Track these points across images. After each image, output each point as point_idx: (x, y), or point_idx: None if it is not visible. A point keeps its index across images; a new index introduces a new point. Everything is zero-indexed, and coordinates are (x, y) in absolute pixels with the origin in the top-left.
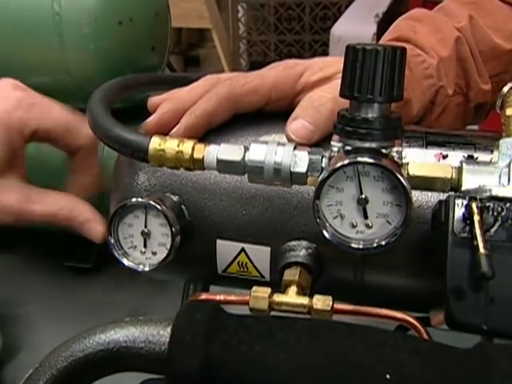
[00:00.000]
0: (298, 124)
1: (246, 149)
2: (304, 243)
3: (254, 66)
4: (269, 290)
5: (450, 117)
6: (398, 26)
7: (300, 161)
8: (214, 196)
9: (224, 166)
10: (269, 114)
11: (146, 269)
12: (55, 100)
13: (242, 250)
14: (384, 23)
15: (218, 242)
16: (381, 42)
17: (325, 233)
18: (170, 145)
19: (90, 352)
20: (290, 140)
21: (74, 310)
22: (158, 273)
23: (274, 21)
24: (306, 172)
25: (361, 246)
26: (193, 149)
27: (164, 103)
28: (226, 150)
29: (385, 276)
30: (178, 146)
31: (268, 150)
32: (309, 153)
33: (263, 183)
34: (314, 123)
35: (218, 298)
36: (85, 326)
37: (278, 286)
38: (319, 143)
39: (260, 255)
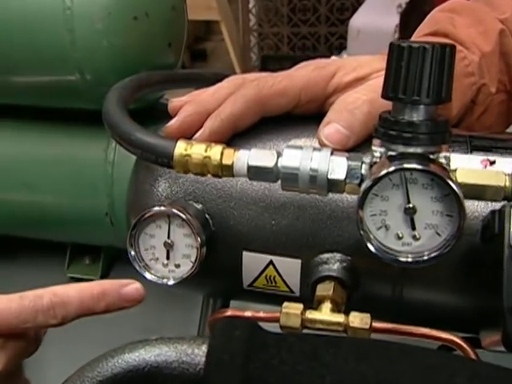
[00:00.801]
0: (332, 128)
1: (279, 154)
2: (338, 256)
3: (266, 60)
4: (301, 306)
5: (492, 116)
6: (434, 18)
7: (338, 167)
8: (240, 204)
9: (255, 172)
10: (298, 117)
11: (171, 282)
12: (64, 100)
13: (271, 262)
14: (407, 14)
15: (245, 253)
16: (415, 37)
17: (370, 246)
18: (196, 150)
19: (119, 372)
20: (322, 145)
21: (79, 324)
22: (177, 287)
23: (287, 12)
24: (345, 179)
25: (409, 260)
26: (221, 154)
27: (186, 105)
28: (258, 156)
29: (426, 292)
30: (206, 151)
31: (303, 155)
32: (347, 158)
33: (297, 191)
34: (348, 127)
35: (246, 314)
36: (92, 341)
37: (309, 301)
38: (354, 149)
39: (290, 268)
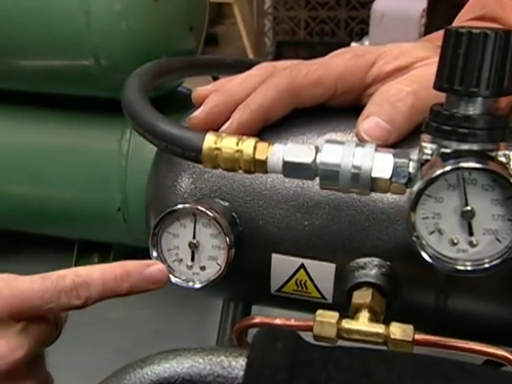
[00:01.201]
0: (372, 122)
1: (318, 150)
2: (376, 260)
3: (281, 46)
4: (336, 314)
5: None
6: (480, 1)
7: (383, 165)
8: (270, 203)
9: (291, 169)
10: (332, 109)
11: (197, 286)
12: (77, 86)
13: (302, 266)
14: None
15: (274, 256)
16: (458, 22)
17: (423, 253)
18: (227, 143)
19: None
20: (361, 141)
21: (87, 325)
22: (200, 290)
23: None
24: (390, 178)
25: (468, 268)
26: (254, 148)
27: (213, 95)
28: (295, 151)
29: (473, 301)
30: (238, 144)
31: (345, 151)
32: (393, 155)
33: (336, 190)
34: (390, 121)
35: (276, 322)
36: (101, 345)
37: (342, 309)
38: (396, 145)
39: (322, 273)
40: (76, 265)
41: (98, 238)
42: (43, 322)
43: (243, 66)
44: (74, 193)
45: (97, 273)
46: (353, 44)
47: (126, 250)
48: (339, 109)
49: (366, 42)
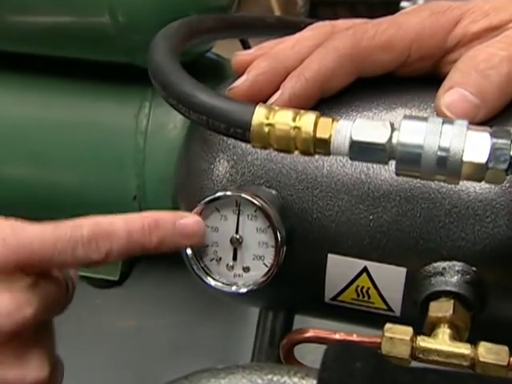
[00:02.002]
0: (456, 95)
1: (394, 127)
2: (458, 265)
3: (316, 5)
4: (410, 330)
5: None
6: None
7: (478, 146)
8: (327, 193)
9: (360, 150)
10: (403, 78)
11: (242, 290)
12: (88, 49)
13: (364, 270)
14: None
15: (330, 257)
16: None
17: None
18: (282, 118)
19: None
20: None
21: (91, 335)
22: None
23: None
24: (487, 162)
25: None
26: (315, 125)
27: (258, 61)
28: (365, 129)
29: None
30: (294, 120)
31: (429, 129)
32: (491, 135)
33: (417, 177)
34: (479, 94)
35: (336, 337)
36: (113, 359)
37: (414, 324)
38: (486, 123)
39: (390, 279)
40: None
41: None
42: (53, 281)
43: (289, 26)
44: (80, 177)
45: (121, 222)
46: (403, 3)
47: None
48: (412, 79)
49: (420, 1)
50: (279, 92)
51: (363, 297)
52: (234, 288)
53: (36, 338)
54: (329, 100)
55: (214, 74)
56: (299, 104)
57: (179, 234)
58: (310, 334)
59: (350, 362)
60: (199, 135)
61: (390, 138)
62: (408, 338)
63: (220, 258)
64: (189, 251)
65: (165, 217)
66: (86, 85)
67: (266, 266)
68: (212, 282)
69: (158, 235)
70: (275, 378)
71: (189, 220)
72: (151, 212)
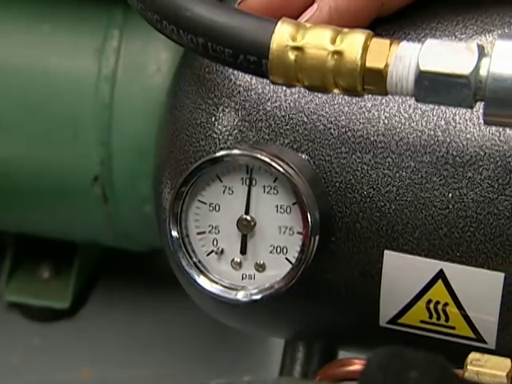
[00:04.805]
0: None
1: (483, 51)
2: None
3: None
4: (508, 362)
5: None
6: None
7: None
8: (384, 159)
9: (433, 87)
10: None
11: (255, 298)
12: None
13: (440, 274)
14: None
15: (388, 254)
16: None
17: None
18: (315, 39)
19: None
20: None
21: None
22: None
23: None
24: None
25: None
26: (364, 49)
27: None
28: (440, 54)
29: None
30: (334, 41)
31: None
32: None
33: None
34: None
35: None
36: None
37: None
38: None
39: (479, 289)
40: (10, 280)
41: (54, 232)
42: None
43: None
44: (13, 146)
45: None
46: None
47: (102, 253)
48: None
49: None
50: (314, 6)
51: (438, 318)
52: (241, 294)
53: None
54: (388, 20)
55: None
56: (344, 23)
57: None
58: (353, 366)
59: (402, 372)
60: (194, 73)
61: (477, 66)
62: (503, 374)
63: (222, 251)
64: (174, 234)
65: None
66: (23, 3)
67: (290, 262)
68: (208, 286)
69: None
70: None
71: None
72: None
